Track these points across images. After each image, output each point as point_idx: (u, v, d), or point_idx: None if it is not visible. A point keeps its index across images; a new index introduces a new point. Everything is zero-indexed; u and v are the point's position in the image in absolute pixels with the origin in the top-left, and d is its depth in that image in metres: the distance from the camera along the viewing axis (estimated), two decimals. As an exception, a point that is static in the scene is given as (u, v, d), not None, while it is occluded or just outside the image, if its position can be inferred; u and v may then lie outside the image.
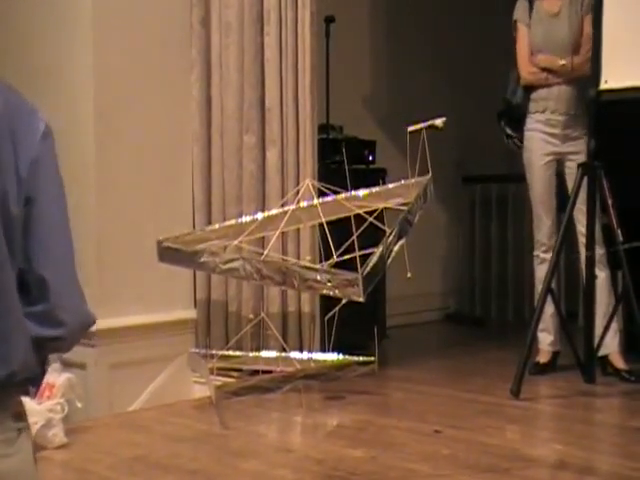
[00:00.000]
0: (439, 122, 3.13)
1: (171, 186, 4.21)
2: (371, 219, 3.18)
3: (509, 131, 4.15)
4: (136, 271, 4.01)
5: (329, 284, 2.84)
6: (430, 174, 3.12)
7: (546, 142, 4.00)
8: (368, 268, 2.76)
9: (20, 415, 1.37)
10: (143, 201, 4.07)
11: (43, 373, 1.45)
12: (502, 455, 2.85)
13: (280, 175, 4.08)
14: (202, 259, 3.24)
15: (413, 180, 3.19)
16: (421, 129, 3.09)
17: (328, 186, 3.30)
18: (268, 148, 4.10)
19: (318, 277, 2.88)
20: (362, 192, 3.39)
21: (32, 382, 1.40)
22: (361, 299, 2.81)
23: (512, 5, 4.12)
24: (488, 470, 2.71)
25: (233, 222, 3.55)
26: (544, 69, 3.99)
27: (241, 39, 4.15)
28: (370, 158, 4.74)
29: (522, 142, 4.11)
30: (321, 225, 3.31)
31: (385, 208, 3.36)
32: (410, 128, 3.11)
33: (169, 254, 3.33)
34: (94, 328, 3.90)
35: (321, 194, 3.36)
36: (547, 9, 4.02)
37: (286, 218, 3.30)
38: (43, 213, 1.35)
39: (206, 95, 4.26)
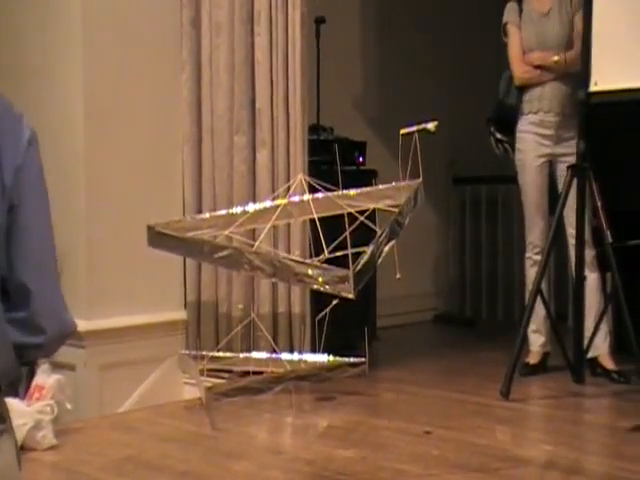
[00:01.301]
0: (431, 126, 3.13)
1: (161, 187, 4.21)
2: (362, 218, 3.18)
3: (499, 136, 4.15)
4: (126, 272, 4.01)
5: (320, 279, 2.84)
6: (421, 178, 3.12)
7: (539, 144, 4.01)
8: (360, 266, 2.77)
9: (1, 417, 1.37)
10: (133, 202, 4.06)
11: (31, 376, 1.45)
12: (492, 455, 2.85)
13: (270, 176, 4.08)
14: (192, 246, 3.23)
15: (404, 183, 3.20)
16: (413, 132, 3.09)
17: (320, 182, 3.30)
18: (258, 149, 4.10)
19: (309, 272, 2.88)
20: (353, 191, 3.40)
21: (12, 385, 1.39)
22: (351, 296, 2.81)
23: (502, 7, 4.14)
24: (478, 470, 2.71)
25: (223, 212, 3.54)
26: (537, 66, 4.00)
27: (231, 40, 4.15)
28: (360, 159, 4.75)
29: (512, 146, 4.11)
30: (312, 221, 3.31)
31: (376, 208, 3.36)
32: (402, 131, 3.11)
33: (159, 239, 3.31)
34: (83, 329, 3.91)
35: (313, 190, 3.36)
36: (537, 9, 4.05)
37: (278, 212, 3.29)
38: (26, 220, 1.35)
39: (196, 96, 4.26)
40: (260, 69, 4.09)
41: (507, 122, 4.10)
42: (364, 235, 3.12)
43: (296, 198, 3.39)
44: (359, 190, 3.40)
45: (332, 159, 4.31)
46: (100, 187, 3.96)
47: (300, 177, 3.39)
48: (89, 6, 3.93)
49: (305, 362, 3.79)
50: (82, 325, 3.82)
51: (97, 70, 3.95)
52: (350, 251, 2.89)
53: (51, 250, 1.40)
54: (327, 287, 2.84)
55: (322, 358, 3.74)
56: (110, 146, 4.00)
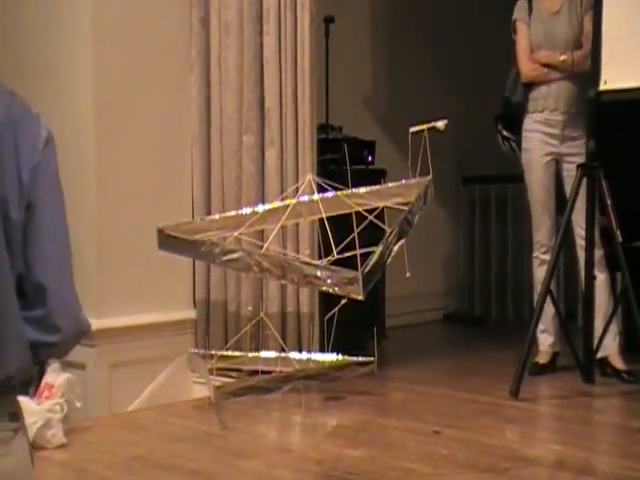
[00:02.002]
0: (441, 124, 3.13)
1: (170, 186, 4.21)
2: (371, 217, 3.18)
3: (506, 133, 4.15)
4: (136, 271, 4.02)
5: (329, 281, 2.84)
6: (431, 176, 3.12)
7: (545, 142, 4.01)
8: (368, 267, 2.76)
9: (16, 415, 1.38)
10: (142, 201, 4.07)
11: (41, 375, 1.46)
12: (501, 455, 2.85)
13: (279, 175, 4.08)
14: (202, 249, 3.23)
15: (414, 180, 3.19)
16: (423, 131, 3.08)
17: (329, 182, 3.30)
18: (267, 148, 4.11)
19: (318, 273, 2.88)
20: (362, 189, 3.39)
21: (27, 384, 1.41)
22: (361, 297, 2.81)
23: (511, 6, 4.14)
24: (487, 470, 2.71)
25: (233, 213, 3.55)
26: (545, 65, 4.00)
27: (240, 39, 4.15)
28: (369, 159, 4.74)
29: (519, 145, 4.11)
30: (321, 221, 3.31)
31: (385, 207, 3.35)
32: (412, 129, 3.11)
33: (169, 242, 3.32)
34: (93, 328, 3.92)
35: (321, 190, 3.36)
36: (547, 8, 4.05)
37: (287, 212, 3.29)
38: (43, 219, 1.36)
39: (205, 95, 4.26)
40: (269, 69, 4.09)
41: (514, 120, 4.10)
42: (374, 234, 3.11)
43: (305, 198, 3.39)
44: (368, 189, 3.39)
45: (341, 158, 4.31)
46: (110, 186, 3.97)
47: (309, 177, 3.39)
48: (99, 6, 3.94)
49: (314, 361, 3.79)
50: (92, 324, 3.82)
51: (107, 70, 3.96)
52: (359, 252, 2.88)
53: (67, 249, 1.41)
54: (336, 289, 2.84)
55: (331, 357, 3.74)
56: (120, 146, 4.01)
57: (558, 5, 4.04)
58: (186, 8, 4.24)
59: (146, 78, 4.10)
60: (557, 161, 4.05)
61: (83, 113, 3.94)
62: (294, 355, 3.83)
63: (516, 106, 4.07)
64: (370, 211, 3.24)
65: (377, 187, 3.46)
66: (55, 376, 3.11)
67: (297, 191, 3.46)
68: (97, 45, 3.93)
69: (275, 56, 4.06)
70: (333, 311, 3.48)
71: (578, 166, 3.74)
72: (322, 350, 3.87)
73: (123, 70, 4.02)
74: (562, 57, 3.94)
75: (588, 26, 3.89)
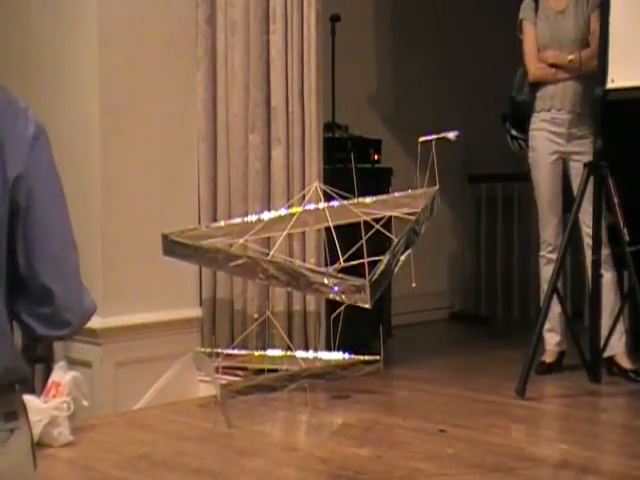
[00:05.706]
0: (452, 135, 3.10)
1: (177, 184, 4.22)
2: (378, 226, 3.17)
3: (514, 132, 4.14)
4: (142, 269, 4.02)
5: (336, 289, 2.83)
6: (437, 186, 3.11)
7: (551, 141, 4.01)
8: (376, 275, 2.75)
9: (13, 415, 1.37)
10: (149, 199, 4.08)
11: (48, 373, 1.45)
12: (507, 454, 2.85)
13: (286, 173, 4.08)
14: (208, 255, 3.23)
15: (421, 190, 3.18)
16: (432, 140, 3.07)
17: (335, 190, 3.29)
18: (274, 147, 4.11)
19: (325, 281, 2.88)
20: (369, 199, 3.38)
21: (21, 382, 1.39)
22: (368, 306, 2.80)
23: (518, 5, 4.13)
24: (493, 469, 2.71)
25: (239, 220, 3.55)
26: (552, 65, 3.99)
27: (247, 38, 4.15)
28: (376, 157, 4.73)
29: (527, 143, 4.10)
30: (327, 229, 3.30)
31: (392, 216, 3.34)
32: (421, 139, 3.10)
33: (174, 248, 3.33)
34: (99, 327, 3.92)
35: (328, 197, 3.36)
36: (553, 7, 4.04)
37: (293, 220, 3.29)
38: (40, 218, 1.33)
39: (212, 94, 4.26)
40: (275, 67, 4.09)
41: (521, 119, 4.09)
42: (380, 242, 3.11)
43: (311, 206, 3.38)
44: (375, 198, 3.38)
45: (347, 157, 4.31)
46: (116, 185, 3.97)
47: (315, 185, 3.38)
48: (105, 4, 3.94)
49: (320, 360, 3.79)
50: (98, 322, 3.83)
51: (113, 68, 3.97)
52: (366, 260, 2.88)
53: (69, 243, 1.39)
54: (343, 297, 2.84)
55: (337, 356, 3.74)
56: (126, 144, 4.01)
57: (564, 4, 4.03)
58: (192, 7, 4.24)
59: (152, 77, 4.11)
60: (564, 160, 4.04)
61: (89, 113, 3.94)
62: (300, 354, 3.83)
63: (521, 105, 4.07)
64: (377, 220, 3.23)
65: (384, 196, 3.45)
66: (62, 374, 3.12)
67: (303, 199, 3.44)
68: (102, 44, 3.94)
69: (281, 55, 4.06)
70: (339, 310, 3.48)
71: (585, 164, 3.73)
72: (328, 349, 3.87)
73: (129, 69, 4.02)
74: (570, 57, 3.93)
75: (595, 24, 3.88)
